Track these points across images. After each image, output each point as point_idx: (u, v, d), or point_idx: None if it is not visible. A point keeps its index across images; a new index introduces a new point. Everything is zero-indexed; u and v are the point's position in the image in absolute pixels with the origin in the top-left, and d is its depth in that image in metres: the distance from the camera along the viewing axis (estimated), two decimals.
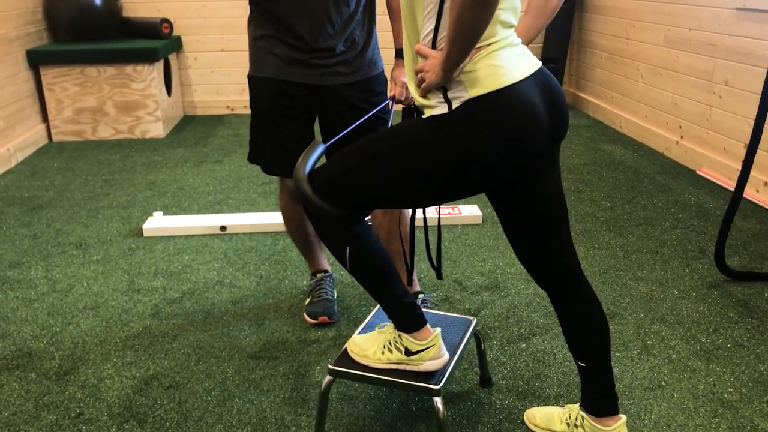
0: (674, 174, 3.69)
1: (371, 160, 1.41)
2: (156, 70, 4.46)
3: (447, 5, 1.28)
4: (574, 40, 5.27)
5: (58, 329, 2.20)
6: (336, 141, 1.95)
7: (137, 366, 2.00)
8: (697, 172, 3.69)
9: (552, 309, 2.28)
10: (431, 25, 1.32)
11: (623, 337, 2.12)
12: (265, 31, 1.94)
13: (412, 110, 1.71)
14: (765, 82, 2.22)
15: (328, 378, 1.63)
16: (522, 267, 2.60)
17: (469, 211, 3.07)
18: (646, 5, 4.20)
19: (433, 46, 1.33)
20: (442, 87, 1.32)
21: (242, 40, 5.16)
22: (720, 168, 3.52)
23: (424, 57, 1.34)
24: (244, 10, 5.11)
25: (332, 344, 2.09)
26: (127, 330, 2.19)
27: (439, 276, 1.72)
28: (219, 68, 5.21)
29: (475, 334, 1.83)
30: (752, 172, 3.27)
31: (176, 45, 4.94)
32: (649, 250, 2.73)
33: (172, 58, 4.98)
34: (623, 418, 1.60)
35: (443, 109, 1.32)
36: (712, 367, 1.95)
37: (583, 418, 1.62)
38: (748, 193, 3.29)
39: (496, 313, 2.26)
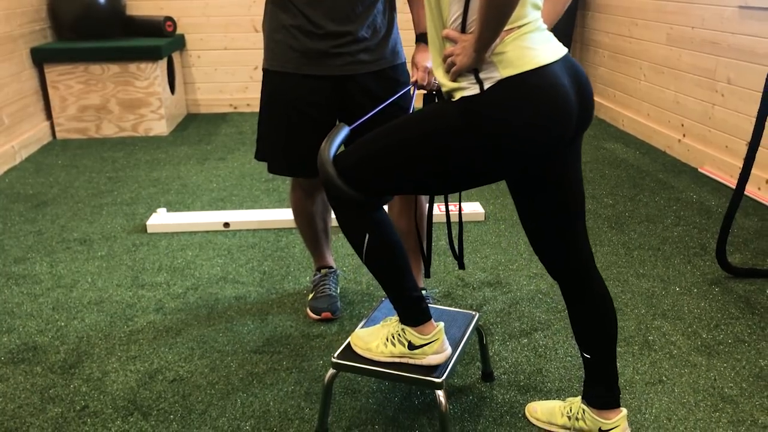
0: (676, 172, 3.69)
1: (399, 143, 1.40)
2: (159, 68, 4.48)
3: None
4: (576, 39, 5.28)
5: (62, 324, 2.22)
6: (357, 129, 1.89)
7: (141, 360, 2.01)
8: (700, 170, 3.70)
9: (553, 305, 2.29)
10: (459, 10, 1.31)
11: (625, 332, 2.12)
12: (284, 22, 1.88)
13: (433, 96, 1.71)
14: (767, 79, 2.22)
15: (331, 371, 1.64)
16: (524, 263, 2.61)
17: (471, 208, 3.08)
18: (649, 3, 4.20)
19: (462, 31, 1.33)
20: (473, 69, 1.31)
21: (245, 38, 5.18)
22: (722, 166, 3.53)
23: (453, 41, 1.33)
24: (246, 9, 5.12)
25: (335, 339, 2.10)
26: (131, 325, 2.21)
27: (462, 266, 1.71)
28: (222, 66, 5.22)
29: (477, 329, 1.84)
30: (754, 170, 3.28)
31: (179, 43, 4.96)
32: (651, 247, 2.74)
33: (176, 56, 4.99)
34: (624, 411, 1.61)
35: (474, 89, 1.32)
36: (713, 362, 1.96)
37: (584, 411, 1.63)
38: (750, 190, 3.29)
39: (498, 308, 2.28)
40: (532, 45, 1.31)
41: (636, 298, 2.33)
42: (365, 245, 1.52)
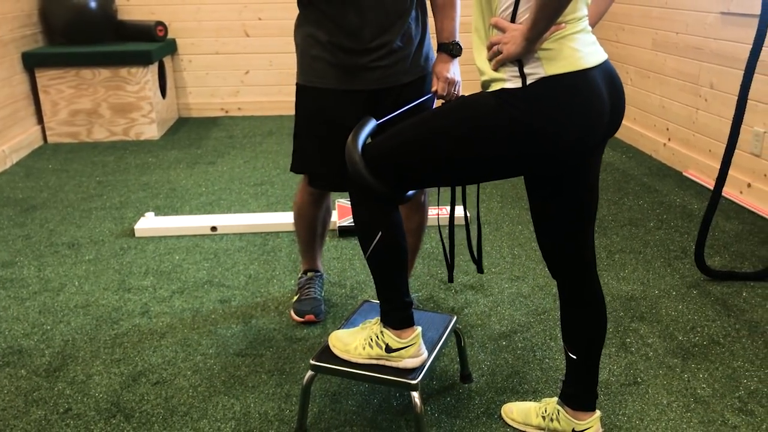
0: (661, 176, 3.73)
1: (431, 133, 1.40)
2: (150, 73, 4.51)
3: None
4: None
5: (48, 327, 2.24)
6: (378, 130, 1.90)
7: (125, 363, 2.04)
8: (684, 173, 3.74)
9: (533, 308, 2.33)
10: None
11: None
12: (320, 38, 1.87)
13: None
14: (741, 86, 2.27)
15: (309, 373, 1.67)
16: (506, 267, 2.64)
17: (456, 212, 3.11)
18: (635, 9, 4.25)
19: (512, 21, 1.33)
20: (518, 61, 1.32)
21: (236, 42, 5.21)
22: (706, 170, 3.57)
23: (502, 30, 1.34)
24: (237, 14, 5.15)
25: (318, 342, 2.13)
26: (116, 328, 2.24)
27: (480, 270, 1.74)
28: (213, 71, 5.25)
29: (455, 331, 1.87)
30: (736, 174, 3.32)
31: (171, 48, 4.99)
32: (633, 250, 2.78)
33: (167, 60, 5.02)
34: (598, 413, 1.64)
35: (516, 83, 1.32)
36: (688, 363, 2.00)
37: (558, 411, 1.66)
38: (732, 194, 3.33)
39: (479, 311, 2.31)
40: (579, 47, 1.32)
41: (615, 301, 2.37)
42: (375, 242, 1.54)
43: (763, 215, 3.09)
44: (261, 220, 3.01)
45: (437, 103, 1.92)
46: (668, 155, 3.93)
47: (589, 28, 1.39)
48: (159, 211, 3.26)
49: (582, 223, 1.50)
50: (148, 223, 3.00)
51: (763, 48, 3.07)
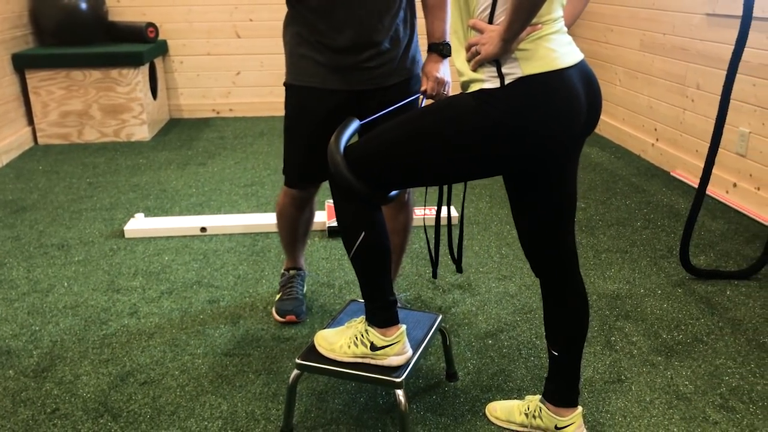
0: (649, 176, 3.76)
1: (413, 134, 1.43)
2: (141, 74, 4.51)
3: None
4: None
5: (37, 328, 2.25)
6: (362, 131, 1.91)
7: (114, 363, 2.05)
8: (672, 173, 3.77)
9: (519, 306, 2.35)
10: (488, 1, 1.34)
11: (588, 333, 2.18)
12: (306, 35, 1.89)
13: None
14: (723, 86, 2.29)
15: (295, 372, 1.69)
16: (494, 266, 2.66)
17: (445, 211, 3.13)
18: (623, 10, 4.28)
19: (490, 22, 1.35)
20: (496, 61, 1.34)
21: (228, 43, 5.22)
22: (693, 170, 3.60)
23: (480, 31, 1.36)
24: (229, 15, 5.16)
25: (305, 341, 2.15)
26: (105, 328, 2.24)
27: (459, 270, 1.75)
28: (205, 72, 5.26)
29: (441, 330, 1.89)
30: (721, 174, 3.35)
31: (162, 49, 4.99)
32: (619, 249, 2.81)
33: (158, 61, 5.03)
34: (579, 409, 1.66)
35: (494, 83, 1.35)
36: (671, 361, 2.02)
37: (541, 409, 1.68)
38: (718, 194, 3.37)
39: (466, 310, 2.33)
40: (555, 46, 1.35)
41: (601, 300, 2.39)
42: (358, 242, 1.56)
43: (749, 214, 3.12)
44: (250, 221, 3.02)
45: (426, 102, 1.93)
46: (656, 155, 3.96)
47: (565, 29, 1.41)
48: (149, 212, 3.26)
49: (562, 221, 1.52)
50: (138, 224, 3.01)
51: (747, 49, 3.10)
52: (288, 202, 2.16)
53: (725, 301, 2.37)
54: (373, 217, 1.56)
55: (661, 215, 3.17)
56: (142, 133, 4.60)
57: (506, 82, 1.34)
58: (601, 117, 4.65)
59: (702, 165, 3.52)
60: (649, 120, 4.07)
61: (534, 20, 1.32)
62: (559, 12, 1.38)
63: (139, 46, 4.60)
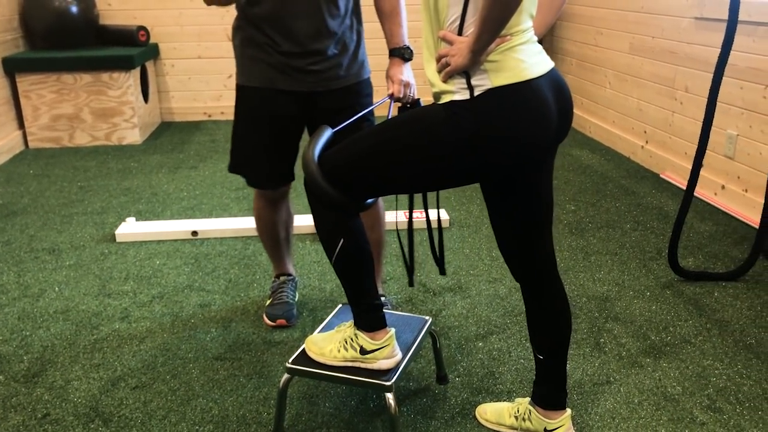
0: (639, 178, 3.79)
1: (385, 144, 1.44)
2: (132, 78, 4.51)
3: None
4: (546, 47, 5.38)
5: (27, 333, 2.25)
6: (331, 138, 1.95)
7: (105, 368, 2.05)
8: (661, 176, 3.80)
9: (510, 309, 2.36)
10: (457, 12, 1.36)
11: (577, 335, 2.20)
12: (256, 38, 1.93)
13: (408, 109, 1.77)
14: (710, 89, 2.32)
15: (285, 376, 1.69)
16: (485, 269, 2.67)
17: (436, 214, 3.14)
18: (613, 13, 4.31)
19: (459, 34, 1.37)
20: (465, 73, 1.36)
21: (219, 47, 5.22)
22: (682, 172, 3.63)
23: (449, 42, 1.38)
24: (220, 18, 5.16)
25: (296, 346, 2.15)
26: (96, 333, 2.24)
27: (443, 272, 1.77)
28: (196, 75, 5.26)
29: (431, 333, 1.90)
30: (710, 176, 3.38)
31: (153, 52, 4.99)
32: (609, 251, 2.83)
33: (149, 65, 5.02)
34: (568, 411, 1.68)
35: (464, 95, 1.36)
36: (659, 363, 2.04)
37: (530, 411, 1.70)
38: (707, 196, 3.39)
39: (457, 313, 2.34)
40: (524, 57, 1.36)
41: (590, 302, 2.41)
42: (338, 249, 1.57)
43: (737, 216, 3.15)
44: (242, 225, 3.02)
45: (394, 106, 1.96)
46: (646, 157, 3.99)
47: (535, 39, 1.43)
48: (140, 216, 3.26)
49: (538, 227, 1.55)
50: (129, 228, 3.01)
51: (733, 52, 3.13)
52: (263, 205, 2.19)
53: (713, 302, 2.39)
54: (350, 224, 1.57)
55: (650, 217, 3.19)
56: (134, 136, 4.60)
57: (476, 93, 1.36)
58: (592, 120, 4.68)
59: (691, 167, 3.55)
60: (638, 122, 4.10)
61: (503, 32, 1.34)
62: (528, 23, 1.39)
63: (130, 50, 4.59)
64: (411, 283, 1.83)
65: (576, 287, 2.52)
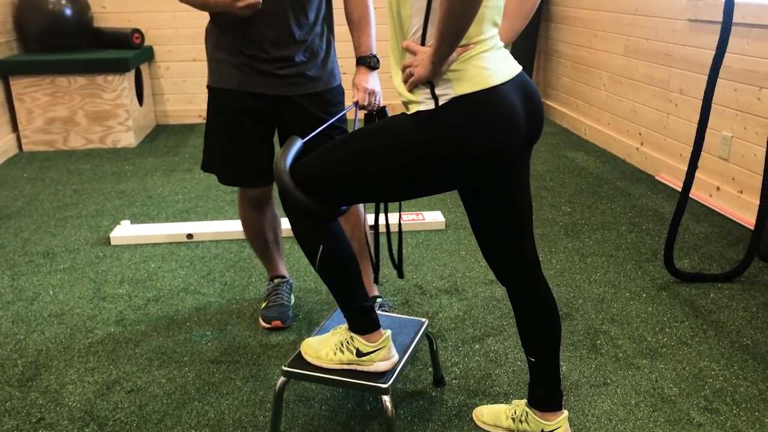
0: (634, 180, 3.79)
1: (355, 154, 1.45)
2: (127, 80, 4.50)
3: (436, 3, 1.33)
4: (540, 49, 5.39)
5: (21, 337, 2.24)
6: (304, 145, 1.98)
7: (100, 371, 2.04)
8: (656, 177, 3.81)
9: (506, 311, 2.36)
10: (419, 22, 1.36)
11: (573, 336, 2.20)
12: (226, 42, 1.98)
13: (374, 116, 1.78)
14: (705, 91, 2.32)
15: (282, 379, 1.69)
16: (481, 271, 2.67)
17: (432, 217, 3.14)
18: (607, 16, 4.32)
19: (422, 43, 1.38)
20: (429, 83, 1.36)
21: None
22: (677, 174, 3.64)
23: (413, 53, 1.38)
24: None
25: (292, 348, 2.14)
26: (91, 337, 2.23)
27: (401, 275, 1.78)
28: (191, 77, 5.25)
29: (427, 335, 1.90)
30: (705, 178, 3.39)
31: (148, 55, 4.98)
32: (605, 253, 2.83)
33: (144, 68, 5.01)
34: (565, 413, 1.68)
35: (429, 105, 1.37)
36: (656, 364, 2.04)
37: (527, 413, 1.69)
38: (702, 197, 3.40)
39: (453, 315, 2.34)
40: (488, 65, 1.37)
41: (587, 304, 2.41)
42: (319, 256, 1.57)
43: (732, 218, 3.15)
44: (237, 228, 3.01)
45: (361, 113, 1.99)
46: (641, 159, 4.00)
47: (500, 45, 1.43)
48: (135, 219, 3.25)
49: (518, 228, 1.55)
50: (124, 231, 2.99)
51: (728, 54, 3.14)
52: (247, 207, 2.21)
53: (709, 303, 2.39)
54: (328, 230, 1.57)
55: (645, 219, 3.20)
56: (128, 139, 4.58)
57: (440, 103, 1.36)
58: (587, 121, 4.69)
59: (685, 169, 3.56)
60: (633, 124, 4.10)
61: (464, 41, 1.35)
62: (491, 31, 1.40)
63: (125, 53, 4.58)
64: (376, 280, 1.84)
65: (572, 289, 2.52)
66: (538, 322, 1.62)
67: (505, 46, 1.52)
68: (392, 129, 1.43)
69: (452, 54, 1.33)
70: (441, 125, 1.36)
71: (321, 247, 1.57)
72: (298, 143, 1.59)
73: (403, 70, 1.40)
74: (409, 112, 1.41)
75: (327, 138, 1.97)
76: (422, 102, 1.38)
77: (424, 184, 1.44)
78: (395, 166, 1.41)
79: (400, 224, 1.77)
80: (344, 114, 2.03)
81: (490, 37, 1.39)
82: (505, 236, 1.55)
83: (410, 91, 1.40)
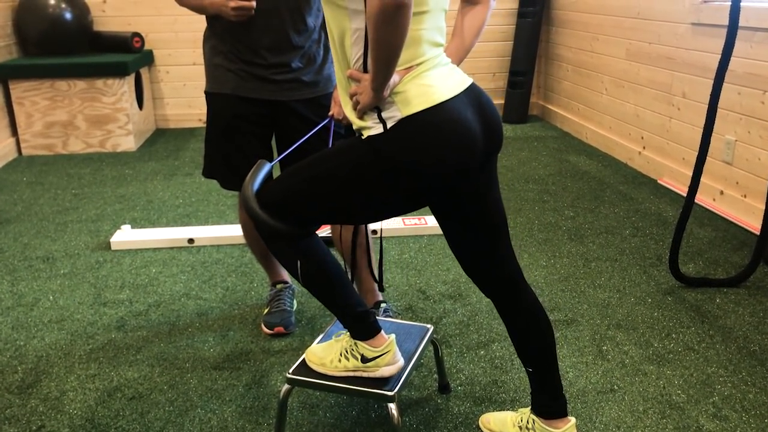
0: (637, 184, 3.78)
1: (313, 179, 1.46)
2: (127, 84, 4.48)
3: None
4: (541, 53, 5.38)
5: (21, 343, 2.21)
6: (288, 156, 2.00)
7: (101, 378, 2.01)
8: (659, 181, 3.79)
9: None
10: (360, 51, 1.38)
11: (579, 342, 2.18)
12: (223, 48, 1.99)
13: (352, 130, 1.77)
14: (711, 95, 2.31)
15: (286, 387, 1.66)
16: None
17: (434, 221, 3.12)
18: (609, 19, 4.31)
19: (365, 71, 1.39)
20: (377, 108, 1.38)
21: None
22: (680, 177, 3.62)
23: (357, 80, 1.40)
24: None
25: (295, 354, 2.12)
26: (91, 343, 2.21)
27: (381, 288, 1.78)
28: (191, 81, 5.23)
29: (433, 342, 1.88)
30: (709, 182, 3.37)
31: (148, 59, 4.96)
32: (609, 258, 2.81)
33: (144, 71, 4.99)
34: (572, 420, 1.65)
35: (379, 129, 1.38)
36: (663, 370, 2.02)
37: (533, 421, 1.67)
38: (706, 201, 3.38)
39: (457, 321, 2.32)
40: (432, 82, 1.37)
41: (592, 309, 2.39)
42: (299, 272, 1.57)
43: (736, 222, 3.14)
44: (239, 232, 2.99)
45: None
46: (643, 163, 3.98)
47: (446, 61, 1.43)
48: (135, 224, 3.23)
49: (493, 237, 1.54)
50: (125, 236, 2.97)
51: (732, 58, 3.13)
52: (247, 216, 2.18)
53: (715, 309, 2.38)
54: (303, 246, 1.56)
55: (649, 223, 3.18)
56: (128, 143, 4.56)
57: (389, 125, 1.37)
58: (588, 126, 4.68)
59: (689, 173, 3.54)
60: (635, 128, 4.09)
61: (406, 64, 1.36)
62: (431, 51, 1.39)
63: (125, 56, 4.57)
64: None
65: (576, 294, 2.50)
66: (526, 334, 1.60)
67: (458, 64, 1.53)
68: (346, 154, 1.44)
69: (393, 78, 1.34)
70: (392, 147, 1.37)
71: (299, 263, 1.56)
72: (266, 167, 1.59)
73: (351, 97, 1.42)
74: (362, 138, 1.42)
75: (312, 149, 1.95)
76: (372, 127, 1.39)
77: (388, 205, 1.45)
78: (355, 188, 1.42)
79: (381, 239, 1.77)
80: (322, 126, 2.02)
81: (432, 56, 1.40)
82: (481, 247, 1.54)
83: (360, 118, 1.42)
